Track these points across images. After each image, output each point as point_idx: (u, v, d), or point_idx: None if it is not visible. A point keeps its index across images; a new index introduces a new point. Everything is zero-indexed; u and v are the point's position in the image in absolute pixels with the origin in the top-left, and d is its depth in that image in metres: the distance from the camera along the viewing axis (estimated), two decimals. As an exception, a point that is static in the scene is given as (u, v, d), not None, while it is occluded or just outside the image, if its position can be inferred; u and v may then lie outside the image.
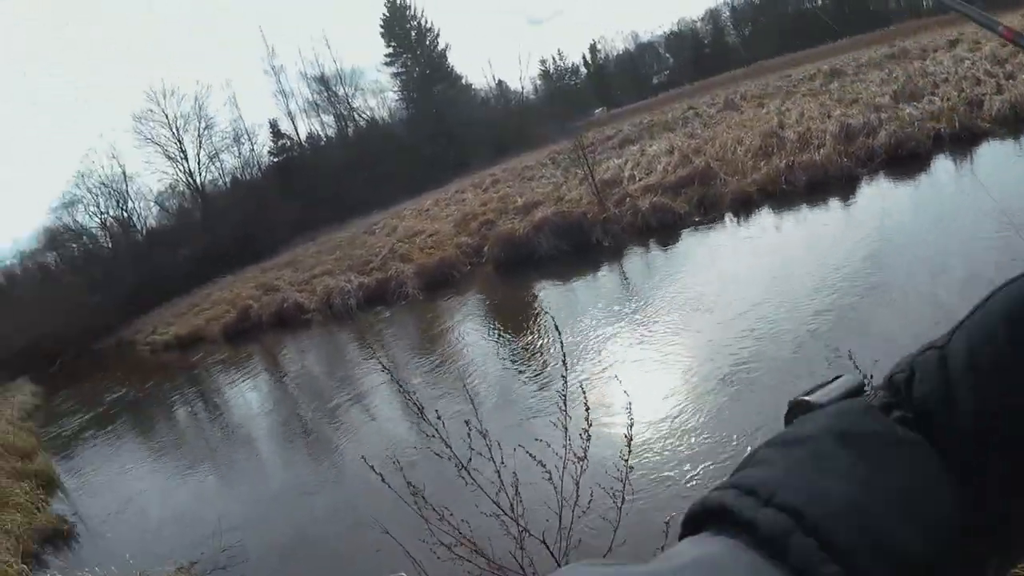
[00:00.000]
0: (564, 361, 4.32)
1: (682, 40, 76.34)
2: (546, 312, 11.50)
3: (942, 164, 13.27)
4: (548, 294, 13.06)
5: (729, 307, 8.98)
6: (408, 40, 61.16)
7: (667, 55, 78.35)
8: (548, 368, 8.80)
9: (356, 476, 7.43)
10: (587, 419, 3.79)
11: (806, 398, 0.49)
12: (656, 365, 7.97)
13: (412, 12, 61.33)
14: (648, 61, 79.09)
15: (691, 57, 72.24)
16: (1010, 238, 8.25)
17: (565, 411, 3.90)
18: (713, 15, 75.97)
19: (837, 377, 0.51)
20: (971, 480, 0.43)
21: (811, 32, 53.86)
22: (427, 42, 61.34)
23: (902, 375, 0.49)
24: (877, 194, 12.77)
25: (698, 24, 76.81)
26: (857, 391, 0.50)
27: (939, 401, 0.46)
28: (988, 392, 0.44)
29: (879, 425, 0.45)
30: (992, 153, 13.24)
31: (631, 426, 3.75)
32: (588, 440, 3.82)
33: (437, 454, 4.00)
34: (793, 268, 10.03)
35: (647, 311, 9.96)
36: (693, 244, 13.06)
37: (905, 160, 13.66)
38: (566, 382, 4.05)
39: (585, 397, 3.78)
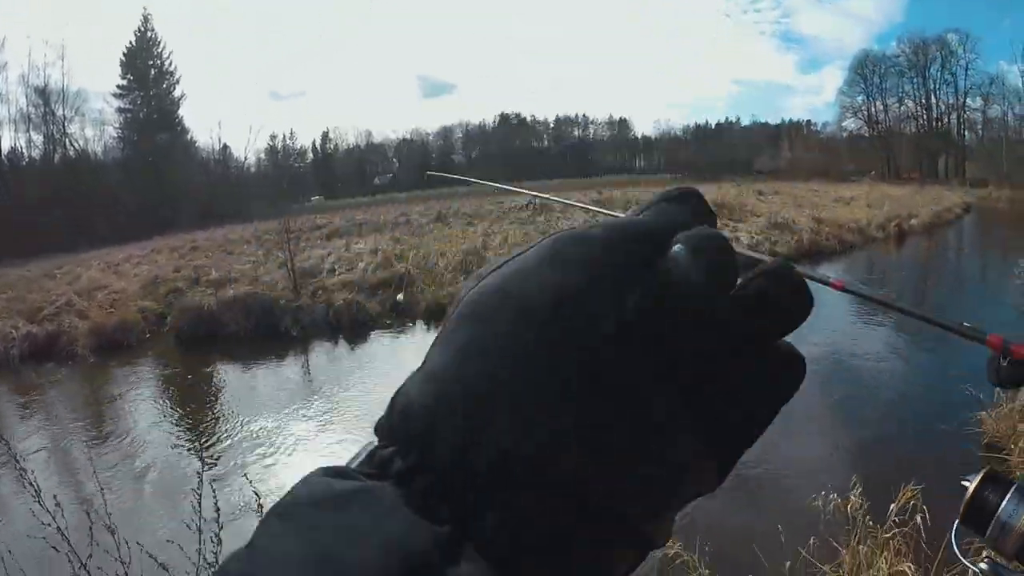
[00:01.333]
0: (201, 458, 3.97)
1: (412, 148, 78.65)
2: (220, 396, 10.92)
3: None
4: (228, 376, 12.32)
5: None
6: (146, 78, 56.12)
7: (395, 159, 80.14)
8: (208, 457, 8.21)
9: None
10: (218, 522, 3.52)
11: None
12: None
13: (159, 50, 56.68)
14: (375, 161, 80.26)
15: (417, 166, 74.46)
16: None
17: (200, 512, 3.62)
18: (446, 132, 79.43)
19: None
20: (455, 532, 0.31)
21: (532, 168, 57.96)
22: (164, 85, 56.63)
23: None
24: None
25: (430, 138, 79.82)
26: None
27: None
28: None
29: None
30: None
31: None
32: (220, 545, 3.54)
33: (55, 548, 3.51)
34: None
35: (322, 407, 9.74)
36: (380, 346, 13.14)
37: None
38: (202, 480, 3.75)
39: (215, 498, 3.54)
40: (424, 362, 0.37)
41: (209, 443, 8.66)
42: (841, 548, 4.47)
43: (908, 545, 4.20)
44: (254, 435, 8.81)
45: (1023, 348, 0.63)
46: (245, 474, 7.14)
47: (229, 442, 8.68)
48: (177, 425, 9.97)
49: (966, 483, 0.70)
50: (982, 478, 0.66)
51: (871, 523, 4.40)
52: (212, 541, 3.50)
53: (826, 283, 0.88)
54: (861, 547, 4.35)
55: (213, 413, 10.25)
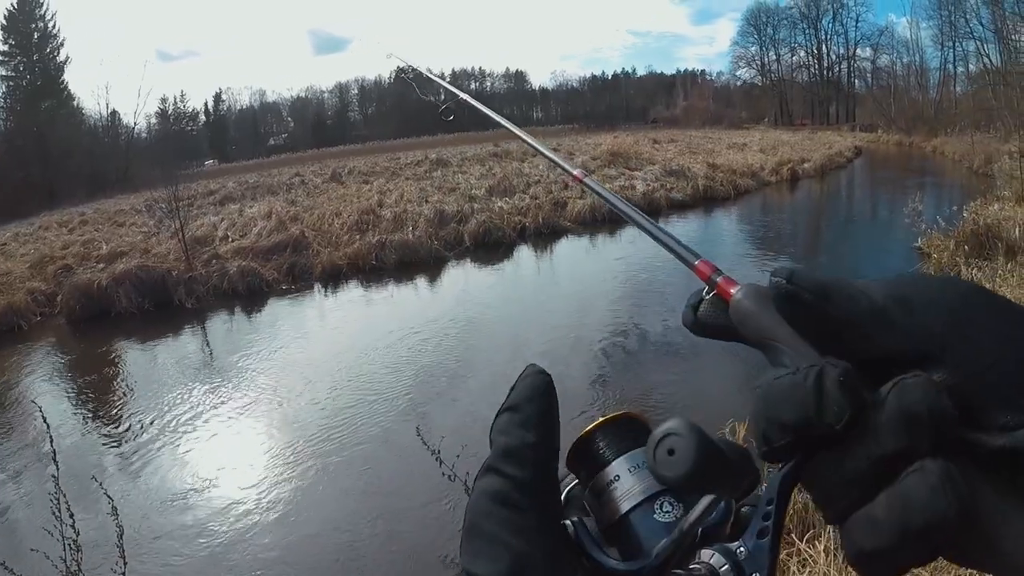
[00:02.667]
0: (56, 461, 3.58)
1: (307, 107, 76.94)
2: (114, 378, 10.37)
3: (522, 253, 15.44)
4: (121, 356, 11.64)
5: (309, 381, 8.83)
6: (28, 42, 52.89)
7: (289, 119, 78.32)
8: (103, 447, 7.78)
9: None
10: (74, 528, 3.28)
11: None
12: (217, 449, 7.37)
13: (43, 11, 53.40)
14: (270, 121, 78.38)
15: (312, 125, 73.03)
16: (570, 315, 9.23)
17: (60, 519, 3.34)
18: (342, 89, 77.87)
19: None
20: None
21: (428, 123, 57.38)
22: (47, 49, 53.55)
23: None
24: (461, 275, 14.22)
25: (326, 95, 78.16)
26: None
27: None
28: None
29: None
30: (567, 246, 15.82)
31: (121, 536, 3.30)
32: (80, 553, 3.34)
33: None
34: (374, 339, 10.32)
35: (218, 385, 9.27)
36: (278, 312, 12.79)
37: (491, 247, 15.52)
38: (59, 485, 3.44)
39: (68, 504, 3.28)
40: None
41: (99, 433, 8.21)
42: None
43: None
44: (148, 419, 8.34)
45: (730, 285, 0.47)
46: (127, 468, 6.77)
47: (121, 429, 8.23)
48: (66, 416, 9.26)
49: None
50: (608, 420, 0.51)
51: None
52: (71, 546, 3.26)
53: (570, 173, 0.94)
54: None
55: (104, 398, 9.66)
